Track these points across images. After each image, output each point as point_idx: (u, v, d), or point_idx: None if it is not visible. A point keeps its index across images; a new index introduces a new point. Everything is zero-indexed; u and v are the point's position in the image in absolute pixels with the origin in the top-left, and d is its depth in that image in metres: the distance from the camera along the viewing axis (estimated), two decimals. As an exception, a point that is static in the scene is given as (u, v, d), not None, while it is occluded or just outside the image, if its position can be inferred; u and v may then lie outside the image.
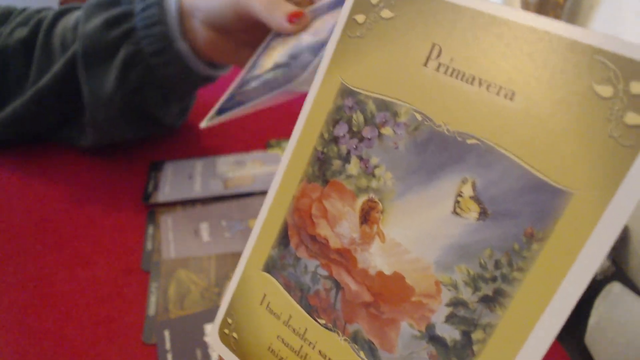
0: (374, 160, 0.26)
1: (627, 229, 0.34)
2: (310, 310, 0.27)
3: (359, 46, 0.27)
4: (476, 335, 0.22)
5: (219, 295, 0.41)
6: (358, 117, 0.26)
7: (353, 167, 0.26)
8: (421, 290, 0.24)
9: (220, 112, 0.48)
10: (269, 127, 0.64)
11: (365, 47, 0.26)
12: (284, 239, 0.29)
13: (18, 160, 0.56)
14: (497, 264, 0.22)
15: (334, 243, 0.27)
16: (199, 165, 0.56)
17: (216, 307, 0.38)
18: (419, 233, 0.24)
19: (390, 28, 0.26)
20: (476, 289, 0.22)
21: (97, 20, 0.49)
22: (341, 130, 0.27)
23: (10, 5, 0.57)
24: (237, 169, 0.55)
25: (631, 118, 0.19)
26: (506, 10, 0.23)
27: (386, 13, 0.26)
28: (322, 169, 0.27)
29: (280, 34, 0.47)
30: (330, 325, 0.27)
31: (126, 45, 0.49)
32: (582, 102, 0.20)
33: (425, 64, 0.24)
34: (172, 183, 0.53)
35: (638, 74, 0.19)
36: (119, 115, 0.52)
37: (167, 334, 0.37)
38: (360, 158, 0.26)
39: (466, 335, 0.23)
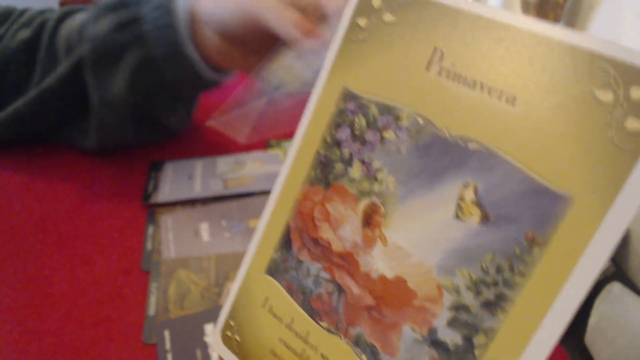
0: (376, 164, 0.26)
1: (628, 230, 0.34)
2: (313, 314, 0.27)
3: (361, 50, 0.27)
4: (478, 339, 0.22)
5: (219, 295, 0.41)
6: (360, 121, 0.26)
7: (355, 171, 0.26)
8: (423, 294, 0.24)
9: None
10: (269, 127, 0.63)
11: (367, 50, 0.26)
12: (286, 242, 0.29)
13: (18, 160, 0.56)
14: (499, 268, 0.22)
15: (336, 246, 0.27)
16: (199, 165, 0.56)
17: (216, 307, 0.38)
18: (420, 237, 0.24)
19: (392, 32, 0.26)
20: (478, 293, 0.22)
21: (106, 23, 0.49)
22: (343, 133, 0.27)
23: (10, 6, 0.57)
24: (237, 169, 0.55)
25: (632, 123, 0.20)
26: (506, 15, 0.23)
27: (388, 17, 0.26)
28: (325, 172, 0.27)
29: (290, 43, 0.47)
30: (332, 328, 0.27)
31: (136, 49, 0.49)
32: (582, 107, 0.21)
33: (428, 68, 0.24)
34: (172, 183, 0.53)
35: (638, 79, 0.20)
36: (126, 119, 0.52)
37: (167, 334, 0.37)
38: (363, 161, 0.26)
39: (468, 339, 0.23)
